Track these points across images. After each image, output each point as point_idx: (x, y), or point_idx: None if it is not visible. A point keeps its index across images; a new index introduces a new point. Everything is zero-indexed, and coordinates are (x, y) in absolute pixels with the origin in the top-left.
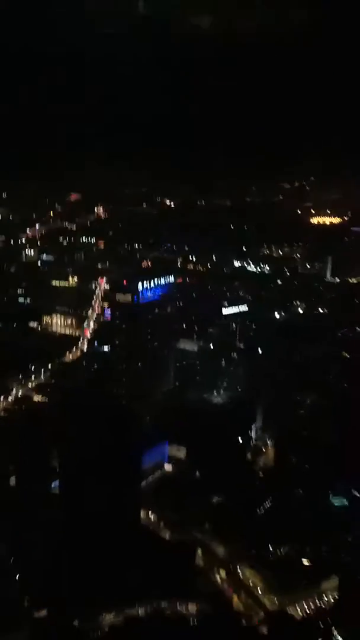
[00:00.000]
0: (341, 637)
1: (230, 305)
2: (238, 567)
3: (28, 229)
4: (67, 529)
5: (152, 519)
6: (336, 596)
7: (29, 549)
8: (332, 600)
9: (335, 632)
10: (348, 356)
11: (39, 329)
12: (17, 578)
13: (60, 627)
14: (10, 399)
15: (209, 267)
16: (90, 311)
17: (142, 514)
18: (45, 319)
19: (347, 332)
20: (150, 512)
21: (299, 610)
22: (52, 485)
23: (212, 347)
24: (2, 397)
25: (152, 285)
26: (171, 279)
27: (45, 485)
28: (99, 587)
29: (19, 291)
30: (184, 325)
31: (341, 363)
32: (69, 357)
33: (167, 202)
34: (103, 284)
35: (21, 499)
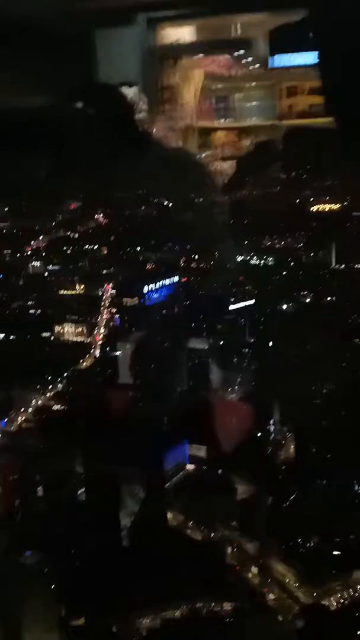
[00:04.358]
0: None
1: (236, 300)
2: (269, 562)
3: (32, 240)
4: (97, 535)
5: (179, 520)
6: None
7: (62, 558)
8: None
9: None
10: None
11: (52, 338)
12: (52, 587)
13: (99, 633)
14: (30, 409)
15: (212, 263)
16: (99, 317)
17: (169, 515)
18: (57, 328)
19: (357, 319)
20: (176, 512)
21: (333, 602)
22: (78, 492)
23: (222, 344)
24: (22, 408)
25: (157, 286)
26: (175, 278)
27: (72, 493)
28: (133, 592)
29: (29, 302)
30: (192, 324)
31: (354, 350)
32: (83, 363)
33: (165, 202)
34: (109, 289)
35: (49, 508)
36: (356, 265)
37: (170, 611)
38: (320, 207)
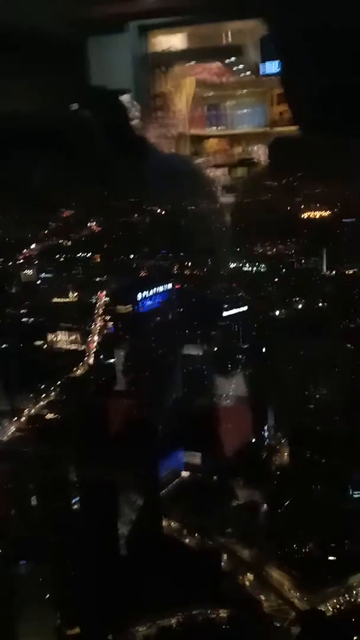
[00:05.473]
0: None
1: (230, 306)
2: (264, 568)
3: (25, 248)
4: (92, 544)
5: (174, 527)
6: None
7: (56, 567)
8: None
9: None
10: (352, 347)
11: (45, 346)
12: (47, 597)
13: None
14: (23, 419)
15: (206, 270)
16: (93, 325)
17: (164, 523)
18: (50, 336)
19: (349, 324)
20: (171, 520)
21: (330, 607)
22: (72, 501)
23: (216, 350)
24: (15, 417)
25: (151, 293)
26: (169, 285)
27: (66, 502)
28: (129, 600)
29: (22, 311)
30: (187, 331)
31: (346, 354)
32: (77, 371)
33: (158, 210)
34: (103, 297)
35: (44, 518)
36: (347, 271)
37: (166, 619)
38: (311, 214)
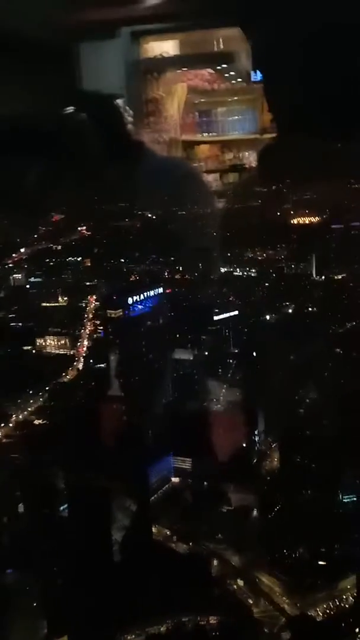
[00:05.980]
0: None
1: (220, 311)
2: (255, 574)
3: (13, 253)
4: (80, 552)
5: (164, 534)
6: (355, 594)
7: (44, 575)
8: (352, 599)
9: (358, 631)
10: (341, 351)
11: (34, 351)
12: (34, 605)
13: None
14: (10, 425)
15: (196, 275)
16: (82, 329)
17: (154, 529)
18: (39, 340)
19: (338, 329)
20: (161, 526)
21: (319, 612)
22: (60, 509)
23: (206, 355)
24: (2, 423)
25: (141, 298)
26: (160, 290)
27: (54, 509)
28: (117, 607)
29: (10, 315)
30: (177, 335)
31: (335, 359)
32: (66, 376)
33: (148, 214)
34: (93, 301)
35: (31, 525)
36: (336, 277)
37: (156, 626)
38: (301, 220)
